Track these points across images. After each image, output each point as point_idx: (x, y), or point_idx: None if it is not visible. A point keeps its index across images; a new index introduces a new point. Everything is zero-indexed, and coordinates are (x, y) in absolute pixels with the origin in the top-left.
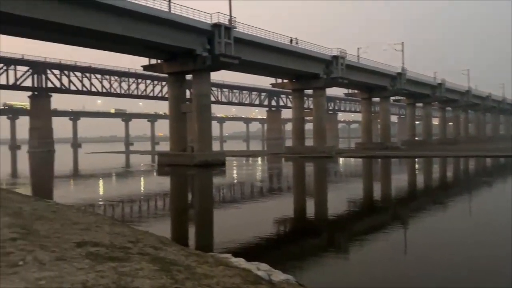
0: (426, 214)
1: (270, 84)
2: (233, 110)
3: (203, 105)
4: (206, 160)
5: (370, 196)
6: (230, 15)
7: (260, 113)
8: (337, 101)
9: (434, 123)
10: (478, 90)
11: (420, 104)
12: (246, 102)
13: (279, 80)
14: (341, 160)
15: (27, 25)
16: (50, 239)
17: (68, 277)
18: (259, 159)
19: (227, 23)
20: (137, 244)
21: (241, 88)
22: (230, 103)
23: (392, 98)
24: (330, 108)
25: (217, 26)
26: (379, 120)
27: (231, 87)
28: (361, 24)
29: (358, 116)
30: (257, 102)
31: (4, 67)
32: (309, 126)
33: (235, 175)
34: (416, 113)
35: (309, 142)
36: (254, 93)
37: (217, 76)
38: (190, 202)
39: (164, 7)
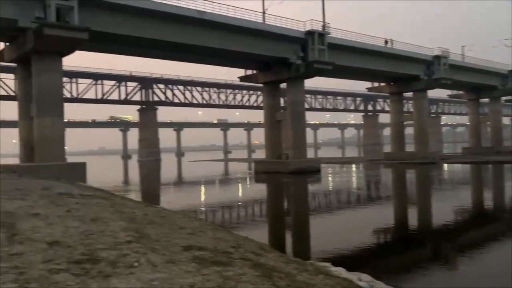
0: None
1: (366, 88)
2: (327, 116)
3: (297, 113)
4: (300, 167)
5: (480, 205)
6: (324, 21)
7: (355, 118)
8: (440, 103)
9: None
10: None
11: None
12: (340, 107)
13: (376, 84)
14: (445, 166)
15: (134, 44)
16: (160, 243)
17: (178, 279)
18: (356, 166)
19: (321, 29)
20: (239, 250)
21: (335, 94)
22: (324, 109)
23: (503, 98)
24: (433, 111)
25: (310, 33)
26: (488, 123)
27: (325, 93)
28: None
29: (464, 119)
30: (352, 107)
31: (117, 84)
32: (409, 131)
33: (330, 182)
34: None
35: (409, 148)
36: (349, 98)
37: (310, 82)
38: (286, 209)
39: (253, 18)
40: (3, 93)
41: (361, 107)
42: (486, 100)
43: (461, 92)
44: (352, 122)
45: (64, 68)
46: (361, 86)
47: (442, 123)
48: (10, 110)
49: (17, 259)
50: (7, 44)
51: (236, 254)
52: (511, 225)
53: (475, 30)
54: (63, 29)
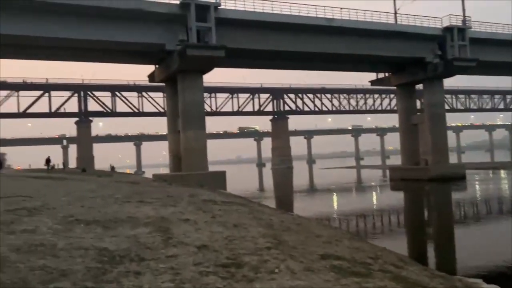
0: None
1: None
2: (472, 117)
3: (436, 115)
4: (442, 173)
5: None
6: (464, 15)
7: (505, 118)
8: None
9: None
10: None
11: None
12: (487, 107)
13: None
14: None
15: (266, 58)
16: (297, 250)
17: None
18: (508, 172)
19: (460, 24)
20: (377, 261)
21: (480, 92)
22: (467, 110)
23: None
24: None
25: (448, 29)
26: None
27: (467, 92)
28: None
29: None
30: (501, 106)
31: (250, 96)
32: None
33: (478, 191)
34: None
35: None
36: (497, 96)
37: (450, 82)
38: (427, 219)
39: (383, 20)
40: (154, 110)
41: None
42: None
43: None
44: (502, 122)
45: (204, 84)
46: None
47: None
48: (161, 125)
49: (173, 261)
50: (157, 66)
51: (375, 266)
52: None
53: None
54: (203, 48)
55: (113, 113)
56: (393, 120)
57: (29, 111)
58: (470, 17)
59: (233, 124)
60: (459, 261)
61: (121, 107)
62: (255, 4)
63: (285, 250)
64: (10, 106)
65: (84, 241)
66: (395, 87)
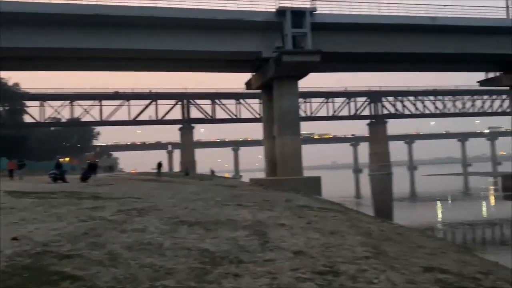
0: None
1: None
2: None
3: None
4: None
5: None
6: None
7: None
8: None
9: None
10: None
11: None
12: None
13: None
14: None
15: (362, 60)
16: (398, 261)
17: None
18: None
19: None
20: (488, 276)
21: None
22: None
23: None
24: None
25: None
26: None
27: None
28: None
29: None
30: None
31: (346, 100)
32: None
33: None
34: None
35: None
36: None
37: None
38: None
39: (492, 15)
40: (250, 116)
41: None
42: None
43: None
44: None
45: (299, 89)
46: None
47: None
48: (257, 131)
49: (270, 265)
50: (253, 74)
51: (485, 282)
52: None
53: None
54: (299, 54)
55: (213, 120)
56: (505, 122)
57: (138, 118)
58: None
59: (329, 128)
60: None
61: (220, 113)
62: (351, 6)
63: (385, 260)
64: (122, 114)
65: (188, 241)
66: (507, 88)
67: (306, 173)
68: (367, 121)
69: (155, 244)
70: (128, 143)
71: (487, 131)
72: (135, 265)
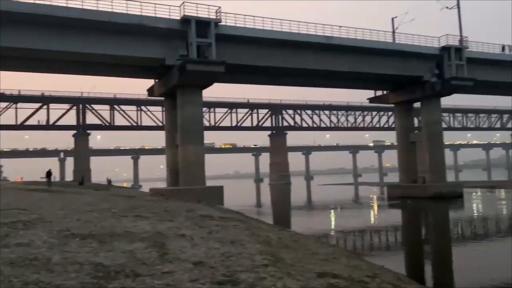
0: None
1: None
2: (469, 136)
3: (433, 133)
4: (440, 191)
5: None
6: (461, 35)
7: (502, 137)
8: None
9: None
10: None
11: None
12: (484, 126)
13: None
14: None
15: (266, 73)
16: (294, 267)
17: None
18: (506, 191)
19: (457, 44)
20: (375, 280)
21: (477, 111)
22: (465, 128)
23: None
24: None
25: (446, 48)
26: None
27: (465, 111)
28: None
29: None
30: (498, 125)
31: (249, 111)
32: None
33: (475, 209)
34: None
35: None
36: (494, 115)
37: (447, 100)
38: (424, 237)
39: (382, 38)
40: (152, 124)
41: (509, 125)
42: None
43: None
44: (499, 141)
45: (203, 99)
46: (507, 101)
47: None
48: (159, 139)
49: (168, 277)
50: (156, 80)
51: (372, 284)
52: None
53: None
54: (203, 64)
55: (111, 127)
56: (390, 137)
57: (27, 123)
58: (467, 37)
59: (233, 139)
60: (458, 281)
61: (119, 120)
62: (255, 21)
63: (282, 267)
64: (7, 118)
65: (80, 255)
66: (393, 105)
67: (209, 183)
68: (269, 132)
69: (42, 260)
70: (15, 150)
71: (371, 144)
72: (17, 282)
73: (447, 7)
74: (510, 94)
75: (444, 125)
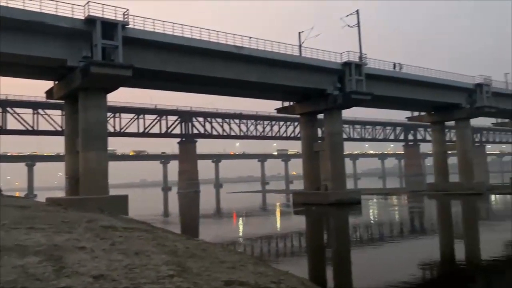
0: None
1: (406, 117)
2: (366, 146)
3: (335, 143)
4: (340, 198)
5: None
6: (361, 52)
7: (396, 148)
8: (484, 132)
9: None
10: None
11: None
12: (380, 137)
13: (415, 113)
14: (493, 197)
15: (176, 80)
16: (201, 277)
17: None
18: (398, 197)
19: (357, 60)
20: (280, 285)
21: (374, 124)
22: (363, 139)
23: None
24: (477, 140)
25: (347, 64)
26: None
27: (363, 123)
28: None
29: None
30: (391, 137)
31: (158, 118)
32: (452, 161)
33: (372, 215)
34: None
35: (453, 178)
36: (388, 127)
37: (348, 112)
38: (327, 242)
39: (289, 51)
40: (50, 128)
41: (401, 137)
42: None
43: (506, 120)
44: (392, 152)
45: (108, 103)
46: (400, 115)
47: (488, 152)
48: (57, 145)
49: None
50: (56, 82)
51: None
52: None
53: None
54: (108, 67)
55: (2, 131)
56: (296, 146)
57: None
58: (366, 54)
59: (140, 145)
60: (355, 281)
61: (13, 124)
62: (165, 25)
63: (189, 277)
64: None
65: None
66: (299, 116)
67: (113, 192)
68: (178, 139)
69: None
70: None
71: (275, 153)
72: None
73: (348, 25)
74: (403, 109)
75: (344, 136)
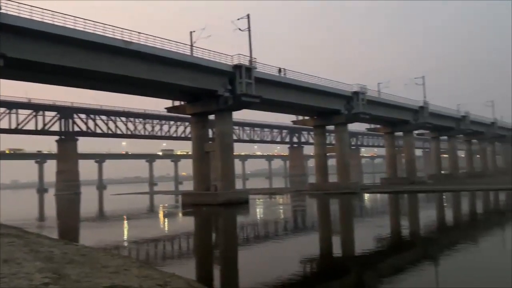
0: (457, 250)
1: (291, 121)
2: (255, 148)
3: (225, 144)
4: (229, 198)
5: (398, 233)
6: (251, 56)
7: (282, 150)
8: (360, 136)
9: (460, 156)
10: (504, 122)
11: (445, 137)
12: (267, 139)
13: (300, 117)
14: (366, 196)
15: (57, 72)
16: (80, 284)
17: None
18: (283, 196)
19: (248, 63)
20: (166, 287)
21: (262, 126)
22: (252, 141)
23: (415, 132)
24: (353, 143)
25: (238, 67)
26: (403, 155)
27: (252, 125)
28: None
29: (382, 151)
30: (278, 139)
31: (33, 113)
32: (332, 162)
33: (258, 214)
34: (442, 146)
35: (332, 178)
36: (276, 130)
37: (239, 114)
38: (215, 242)
39: (181, 50)
40: None
41: (287, 139)
42: (400, 133)
43: (378, 126)
44: (280, 153)
45: None
46: (287, 118)
47: (362, 154)
48: None
49: None
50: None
51: None
52: (424, 252)
53: (391, 68)
54: None
55: None
56: (187, 147)
57: None
58: (255, 58)
59: (14, 143)
60: (242, 280)
61: None
62: (44, 14)
63: (66, 284)
64: None
65: None
66: (190, 116)
67: None
68: (57, 137)
69: None
70: None
71: (160, 153)
72: None
73: (239, 29)
74: (290, 113)
75: (234, 137)
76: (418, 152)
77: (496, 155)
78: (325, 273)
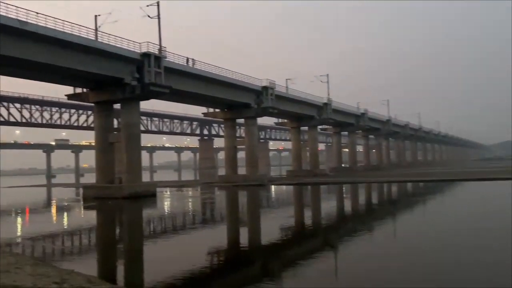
0: (355, 238)
1: (202, 113)
2: (164, 139)
3: (132, 135)
4: (135, 191)
5: (302, 223)
6: (160, 45)
7: (192, 142)
8: (268, 130)
9: (359, 150)
10: (398, 119)
11: (346, 133)
12: (177, 131)
13: (211, 109)
14: (273, 188)
15: None
16: None
17: None
18: (192, 189)
19: (157, 52)
20: (63, 286)
21: (172, 117)
22: (160, 132)
23: (319, 127)
24: (262, 136)
25: (146, 55)
26: (308, 148)
27: (161, 116)
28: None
29: (289, 144)
30: (188, 131)
31: None
32: (241, 155)
33: (166, 207)
34: (342, 141)
35: (242, 171)
36: (186, 122)
37: (147, 104)
38: (118, 237)
39: (84, 35)
40: None
41: (198, 131)
42: (306, 128)
43: (285, 120)
44: (189, 145)
45: None
46: (198, 110)
47: (270, 148)
48: None
49: None
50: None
51: None
52: (325, 240)
53: (298, 64)
54: None
55: None
56: (89, 136)
57: None
58: (165, 47)
59: None
60: (147, 275)
61: None
62: None
63: None
64: None
65: None
66: (93, 104)
67: None
68: None
69: None
70: None
71: (53, 143)
72: None
73: (148, 16)
74: (201, 105)
75: (142, 128)
76: (322, 146)
77: (390, 150)
78: (232, 264)
